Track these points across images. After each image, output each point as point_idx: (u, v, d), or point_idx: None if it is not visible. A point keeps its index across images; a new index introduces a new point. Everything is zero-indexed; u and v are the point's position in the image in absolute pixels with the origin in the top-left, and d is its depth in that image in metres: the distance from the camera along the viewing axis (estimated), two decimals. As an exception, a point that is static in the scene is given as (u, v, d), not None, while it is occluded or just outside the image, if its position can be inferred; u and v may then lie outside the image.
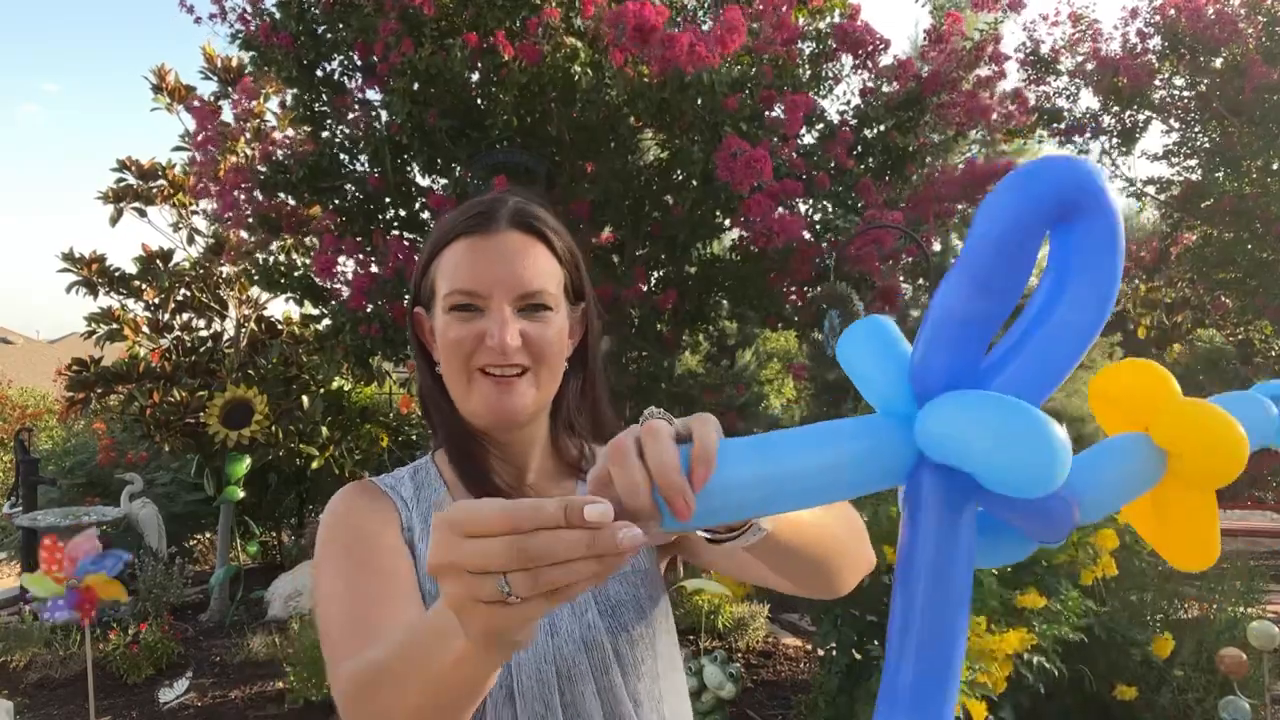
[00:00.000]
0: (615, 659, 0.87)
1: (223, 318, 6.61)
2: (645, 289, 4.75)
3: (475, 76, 4.51)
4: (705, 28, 4.59)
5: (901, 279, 8.37)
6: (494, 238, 0.87)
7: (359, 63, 4.76)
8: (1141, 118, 7.97)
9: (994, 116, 5.44)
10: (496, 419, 0.87)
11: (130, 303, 6.30)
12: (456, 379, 0.88)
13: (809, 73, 4.94)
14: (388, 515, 0.89)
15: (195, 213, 6.40)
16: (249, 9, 4.69)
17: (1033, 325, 0.51)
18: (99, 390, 6.11)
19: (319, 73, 4.86)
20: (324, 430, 6.41)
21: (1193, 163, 8.11)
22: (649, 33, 3.96)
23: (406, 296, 4.47)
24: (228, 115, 5.83)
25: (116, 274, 6.17)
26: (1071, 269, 0.49)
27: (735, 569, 0.85)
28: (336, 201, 4.92)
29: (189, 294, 6.37)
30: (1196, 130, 7.93)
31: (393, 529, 0.87)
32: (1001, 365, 0.52)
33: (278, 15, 4.61)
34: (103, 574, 3.66)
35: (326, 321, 5.36)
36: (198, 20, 4.84)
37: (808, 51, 4.95)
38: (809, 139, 5.02)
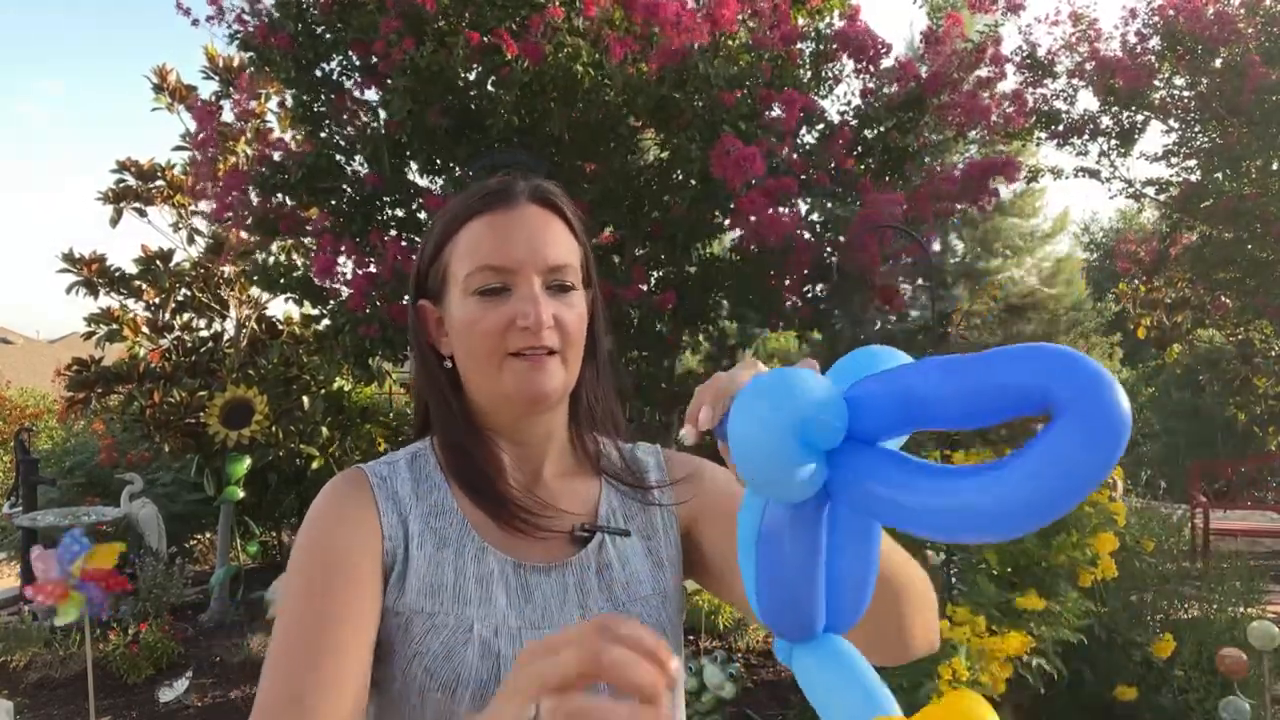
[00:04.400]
0: None
1: (223, 318, 6.61)
2: (645, 289, 4.75)
3: (473, 76, 4.51)
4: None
5: (901, 279, 8.39)
6: (515, 212, 0.84)
7: (357, 63, 4.76)
8: (1140, 118, 7.96)
9: (993, 117, 5.45)
10: (530, 399, 0.83)
11: (130, 303, 6.31)
12: (484, 367, 0.83)
13: (809, 73, 4.94)
14: (365, 527, 0.81)
15: (195, 213, 6.40)
16: (247, 9, 4.69)
17: (946, 475, 0.44)
18: (99, 390, 6.11)
19: (317, 73, 4.86)
20: (324, 430, 6.41)
21: (1192, 163, 8.10)
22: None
23: (405, 296, 4.49)
24: (228, 115, 5.83)
25: (116, 274, 6.17)
26: (1018, 465, 0.40)
27: None
28: (334, 202, 4.92)
29: (189, 294, 6.37)
30: (1196, 130, 7.92)
31: (366, 542, 0.80)
32: (886, 473, 0.46)
33: (276, 15, 4.61)
34: (82, 555, 3.56)
35: (326, 322, 5.36)
36: (195, 23, 4.84)
37: (808, 52, 4.95)
38: (809, 139, 5.03)
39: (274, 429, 5.99)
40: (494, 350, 0.82)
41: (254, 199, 4.94)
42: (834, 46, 4.87)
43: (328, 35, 4.66)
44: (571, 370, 0.86)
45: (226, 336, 6.66)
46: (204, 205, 6.01)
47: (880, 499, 0.46)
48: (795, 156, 4.55)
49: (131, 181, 6.27)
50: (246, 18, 4.67)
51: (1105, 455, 0.38)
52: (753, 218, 4.10)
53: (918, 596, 0.76)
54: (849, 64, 5.00)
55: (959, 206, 5.25)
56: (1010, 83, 7.34)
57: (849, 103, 5.15)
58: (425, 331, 0.90)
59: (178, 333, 6.48)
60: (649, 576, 0.88)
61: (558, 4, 4.16)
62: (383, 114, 4.67)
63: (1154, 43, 7.52)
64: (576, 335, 0.85)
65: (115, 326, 6.11)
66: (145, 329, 6.26)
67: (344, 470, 0.86)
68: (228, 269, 6.43)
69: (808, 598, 0.54)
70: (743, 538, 0.57)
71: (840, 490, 0.48)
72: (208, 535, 7.70)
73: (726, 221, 4.86)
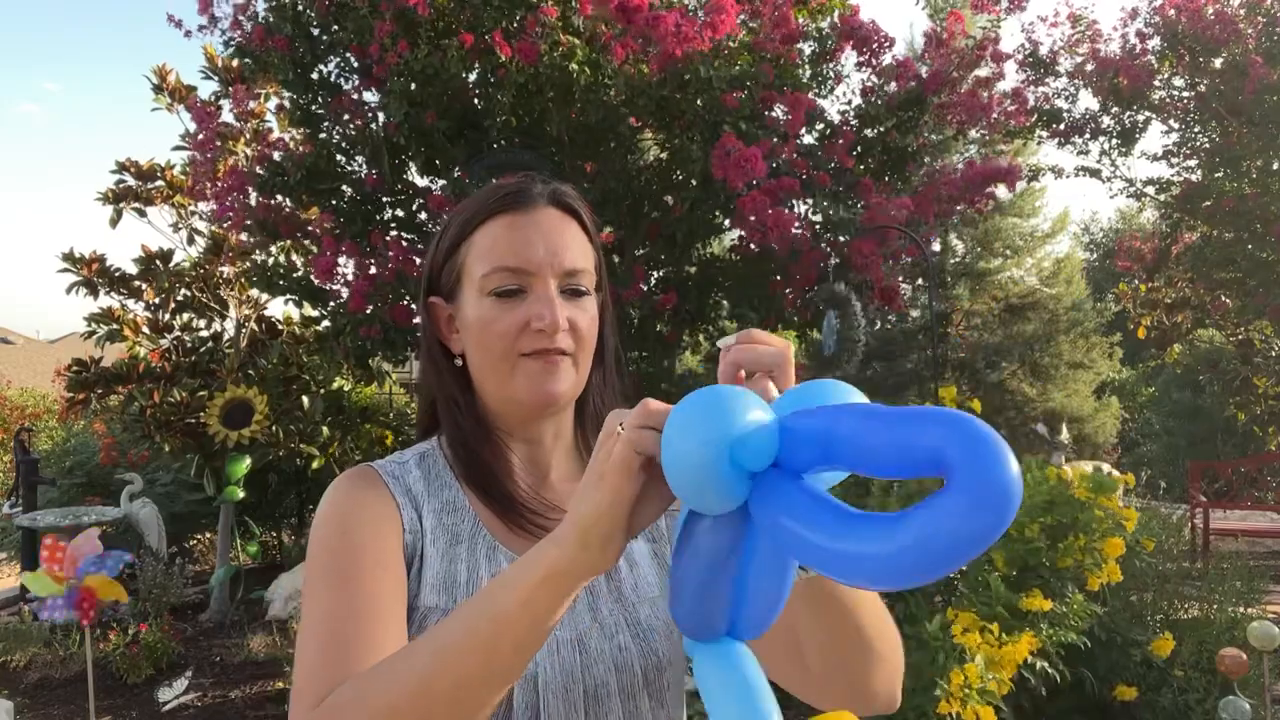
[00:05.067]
0: (644, 684, 0.83)
1: (223, 318, 6.61)
2: (645, 289, 4.75)
3: (473, 77, 4.51)
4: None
5: (901, 279, 8.39)
6: (533, 213, 0.84)
7: (355, 64, 4.76)
8: (1141, 118, 7.96)
9: (994, 116, 5.45)
10: (541, 401, 0.83)
11: (130, 303, 6.31)
12: (496, 367, 0.83)
13: (809, 73, 4.94)
14: (386, 517, 0.81)
15: (195, 213, 6.40)
16: (242, 17, 4.68)
17: (848, 520, 0.45)
18: (99, 390, 6.11)
19: (315, 75, 4.86)
20: (324, 430, 6.41)
21: (1192, 163, 8.10)
22: (633, 12, 3.95)
23: (406, 297, 4.48)
24: (228, 115, 5.83)
25: (116, 274, 6.17)
26: (909, 522, 0.42)
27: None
28: (334, 203, 4.92)
29: (189, 294, 6.37)
30: (1196, 130, 7.92)
31: (389, 535, 0.80)
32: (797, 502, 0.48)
33: (270, 19, 4.60)
34: (103, 575, 3.65)
35: (326, 323, 5.36)
36: (187, 34, 4.83)
37: (808, 51, 4.95)
38: (809, 139, 5.02)
39: (274, 429, 5.99)
40: (507, 351, 0.82)
41: (254, 199, 4.93)
42: (832, 44, 4.87)
43: (324, 37, 4.66)
44: (582, 373, 0.86)
45: (226, 336, 6.66)
46: (204, 206, 6.02)
47: (785, 530, 0.48)
48: (796, 156, 4.55)
49: (131, 182, 6.27)
50: (243, 21, 4.67)
51: (989, 523, 0.39)
52: (753, 217, 4.10)
53: (885, 651, 0.76)
54: (850, 59, 4.99)
55: (959, 207, 5.25)
56: (1011, 81, 7.36)
57: (849, 102, 5.15)
58: (435, 329, 0.90)
59: (178, 333, 6.47)
60: (656, 579, 0.89)
61: (551, 4, 4.16)
62: (381, 116, 4.66)
63: (1154, 43, 7.52)
64: (589, 339, 0.85)
65: (115, 326, 6.10)
66: (145, 329, 6.26)
67: (350, 469, 0.86)
68: (227, 269, 6.43)
69: (715, 601, 0.56)
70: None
71: (757, 512, 0.51)
72: (208, 535, 7.71)
73: (726, 222, 4.86)
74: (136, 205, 6.29)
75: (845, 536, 0.45)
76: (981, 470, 0.40)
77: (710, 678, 0.57)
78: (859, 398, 0.54)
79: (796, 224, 4.37)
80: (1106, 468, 3.98)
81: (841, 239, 4.52)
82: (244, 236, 5.71)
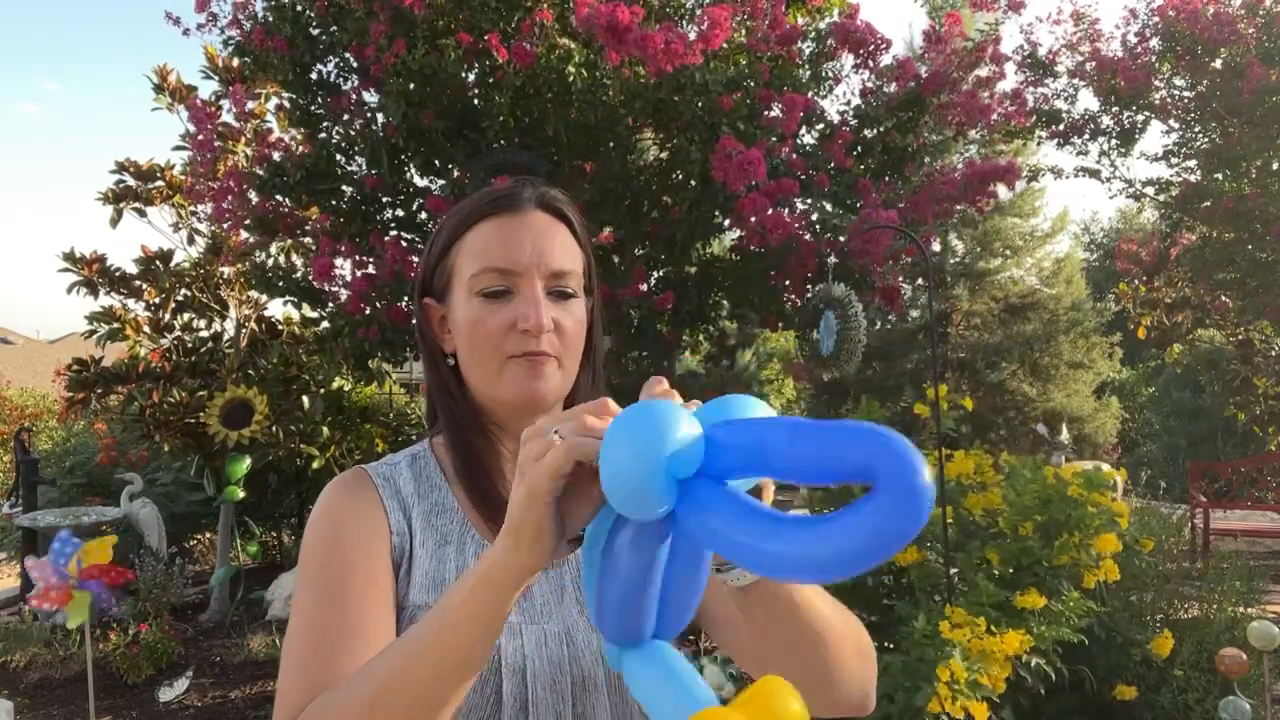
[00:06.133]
0: None
1: (223, 318, 6.61)
2: (644, 289, 4.75)
3: (471, 77, 4.51)
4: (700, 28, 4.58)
5: (901, 279, 8.39)
6: (522, 216, 0.86)
7: (354, 64, 4.76)
8: (1141, 118, 7.96)
9: (994, 117, 5.44)
10: (526, 401, 0.84)
11: (131, 303, 6.31)
12: (484, 366, 0.85)
13: (809, 73, 4.93)
14: (375, 523, 0.83)
15: (195, 213, 6.40)
16: (241, 16, 4.67)
17: (774, 522, 0.49)
18: (99, 390, 6.11)
19: (314, 75, 4.86)
20: (324, 430, 6.41)
21: (1192, 163, 8.10)
22: (623, 32, 3.95)
23: (406, 298, 4.48)
24: (228, 116, 5.83)
25: (117, 274, 6.17)
26: (836, 523, 0.46)
27: (723, 625, 0.83)
28: (333, 203, 4.92)
29: (189, 294, 6.37)
30: (1196, 131, 7.92)
31: (378, 544, 0.82)
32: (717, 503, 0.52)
33: (270, 19, 4.60)
34: (75, 554, 3.55)
35: (325, 324, 5.35)
36: (186, 32, 4.83)
37: (808, 52, 4.94)
38: (809, 139, 5.02)
39: (274, 429, 5.99)
40: (494, 351, 0.84)
41: (253, 200, 4.93)
42: (831, 44, 4.86)
43: (324, 37, 4.66)
44: (568, 375, 0.88)
45: (226, 336, 6.66)
46: (204, 206, 6.02)
47: (716, 532, 0.52)
48: (795, 157, 4.54)
49: (131, 182, 6.27)
50: (242, 21, 4.66)
51: (909, 525, 0.45)
52: (753, 218, 4.10)
53: (838, 644, 0.74)
54: (848, 61, 4.98)
55: (958, 207, 5.23)
56: (1011, 82, 7.35)
57: (848, 102, 5.14)
58: (429, 329, 0.92)
59: (178, 333, 6.48)
60: None
61: (546, 6, 4.16)
62: (380, 116, 4.66)
63: (1154, 43, 7.52)
64: (575, 341, 0.87)
65: (116, 325, 6.10)
66: (146, 329, 6.26)
67: (344, 472, 0.88)
68: (227, 269, 6.43)
69: (641, 607, 0.60)
70: (588, 551, 0.63)
71: (684, 517, 0.54)
72: (208, 535, 7.71)
73: (726, 222, 4.85)
74: (136, 205, 6.29)
75: (774, 537, 0.49)
76: (905, 478, 0.45)
77: (644, 678, 0.60)
78: (767, 411, 0.58)
79: (797, 225, 4.36)
80: (1106, 468, 3.99)
81: (842, 239, 4.51)
82: (243, 236, 5.71)
